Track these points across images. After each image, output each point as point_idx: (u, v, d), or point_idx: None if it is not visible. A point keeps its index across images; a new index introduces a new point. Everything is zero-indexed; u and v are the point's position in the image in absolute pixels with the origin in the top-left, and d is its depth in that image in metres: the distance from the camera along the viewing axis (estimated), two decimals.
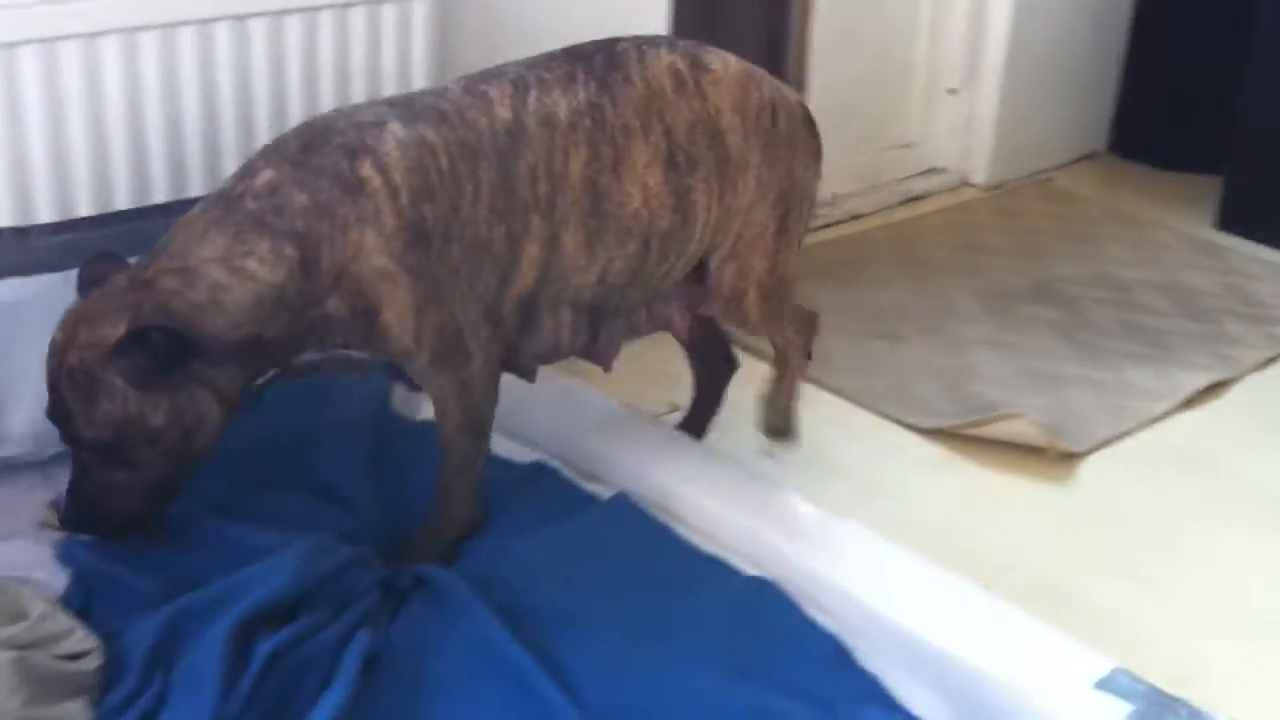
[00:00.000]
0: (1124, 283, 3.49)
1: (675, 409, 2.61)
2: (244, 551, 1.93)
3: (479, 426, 2.05)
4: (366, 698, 1.70)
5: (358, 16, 2.44)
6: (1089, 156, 4.32)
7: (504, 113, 1.99)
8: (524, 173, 1.98)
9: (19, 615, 1.80)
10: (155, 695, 1.71)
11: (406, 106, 1.98)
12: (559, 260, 2.02)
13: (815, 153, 2.29)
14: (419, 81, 2.50)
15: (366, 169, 1.88)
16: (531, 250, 2.00)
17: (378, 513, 2.09)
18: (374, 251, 1.88)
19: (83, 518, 1.90)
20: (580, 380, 2.40)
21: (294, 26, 2.38)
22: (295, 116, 2.34)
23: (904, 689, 1.79)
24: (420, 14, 2.50)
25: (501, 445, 2.20)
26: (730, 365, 2.50)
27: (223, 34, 2.31)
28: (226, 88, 2.34)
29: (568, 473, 2.21)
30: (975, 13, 3.92)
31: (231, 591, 1.82)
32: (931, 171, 4.06)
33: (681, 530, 2.08)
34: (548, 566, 1.98)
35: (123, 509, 1.89)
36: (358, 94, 2.44)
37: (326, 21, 2.41)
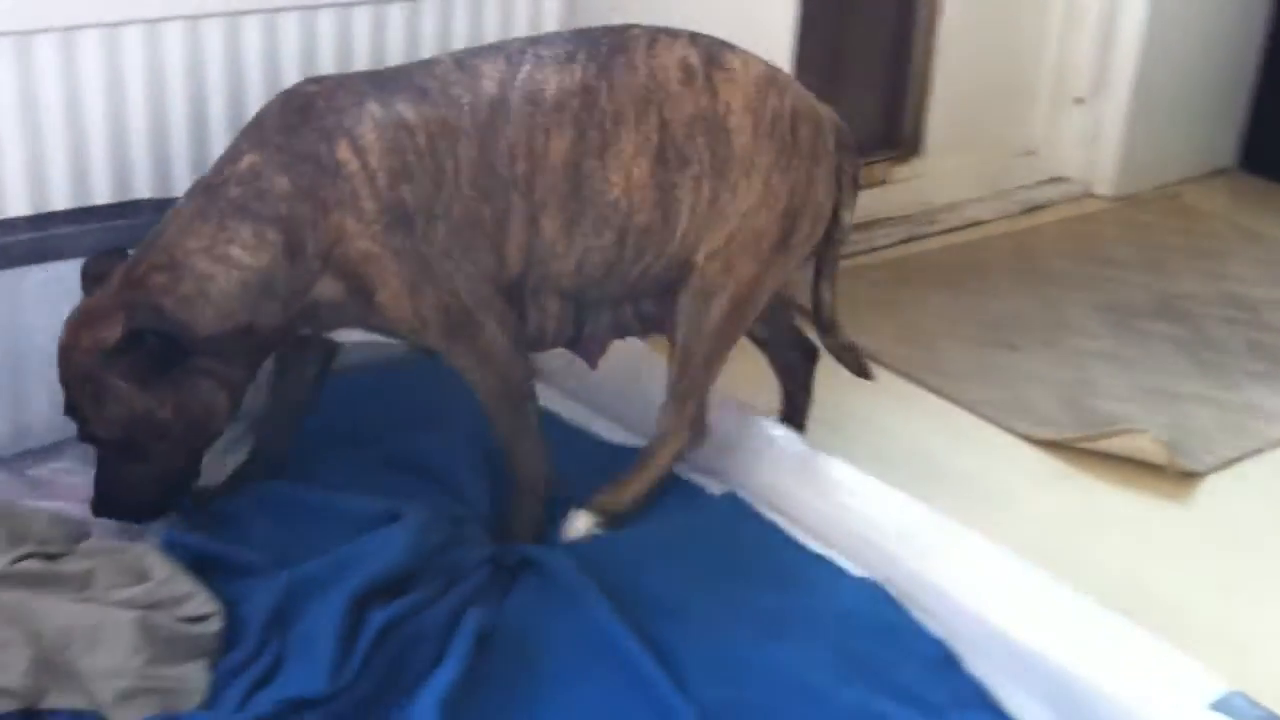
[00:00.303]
0: (1251, 301, 3.41)
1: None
2: (355, 526, 1.96)
3: (513, 392, 2.03)
4: (476, 676, 1.72)
5: None
6: (1218, 172, 4.23)
7: (490, 88, 1.96)
8: (504, 150, 1.95)
9: (143, 576, 1.86)
10: (271, 660, 1.75)
11: (388, 82, 1.96)
12: (540, 244, 1.98)
13: (842, 175, 2.17)
14: None
15: (343, 152, 1.89)
16: (515, 231, 1.97)
17: (483, 495, 2.11)
18: (356, 235, 1.89)
19: (108, 505, 1.94)
20: None
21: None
22: None
23: (1013, 700, 1.78)
24: None
25: (615, 433, 2.22)
26: (809, 357, 2.41)
27: None
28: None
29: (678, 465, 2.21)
30: (1106, 22, 3.85)
31: (346, 563, 1.85)
32: (1055, 181, 4.00)
33: (791, 529, 2.08)
34: (657, 557, 1.99)
35: (144, 497, 1.93)
36: None
37: None
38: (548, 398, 2.23)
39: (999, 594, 1.91)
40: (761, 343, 2.39)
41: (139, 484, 1.93)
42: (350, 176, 1.89)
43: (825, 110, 2.17)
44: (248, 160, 1.90)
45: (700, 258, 2.05)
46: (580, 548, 2.00)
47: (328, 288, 1.91)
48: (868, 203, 3.52)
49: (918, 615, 1.90)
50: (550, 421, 2.18)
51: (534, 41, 2.04)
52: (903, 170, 3.73)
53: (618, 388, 2.36)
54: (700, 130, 2.02)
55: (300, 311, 1.93)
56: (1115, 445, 2.67)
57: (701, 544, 2.02)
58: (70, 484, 2.09)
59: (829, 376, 2.44)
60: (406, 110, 1.92)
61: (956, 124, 3.76)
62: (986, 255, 3.59)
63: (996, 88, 3.86)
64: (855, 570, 1.99)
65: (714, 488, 2.19)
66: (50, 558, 1.88)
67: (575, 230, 1.99)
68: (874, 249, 3.49)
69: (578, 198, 1.98)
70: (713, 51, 2.07)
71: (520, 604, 1.86)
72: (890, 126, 3.75)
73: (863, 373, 2.37)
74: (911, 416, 2.78)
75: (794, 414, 2.44)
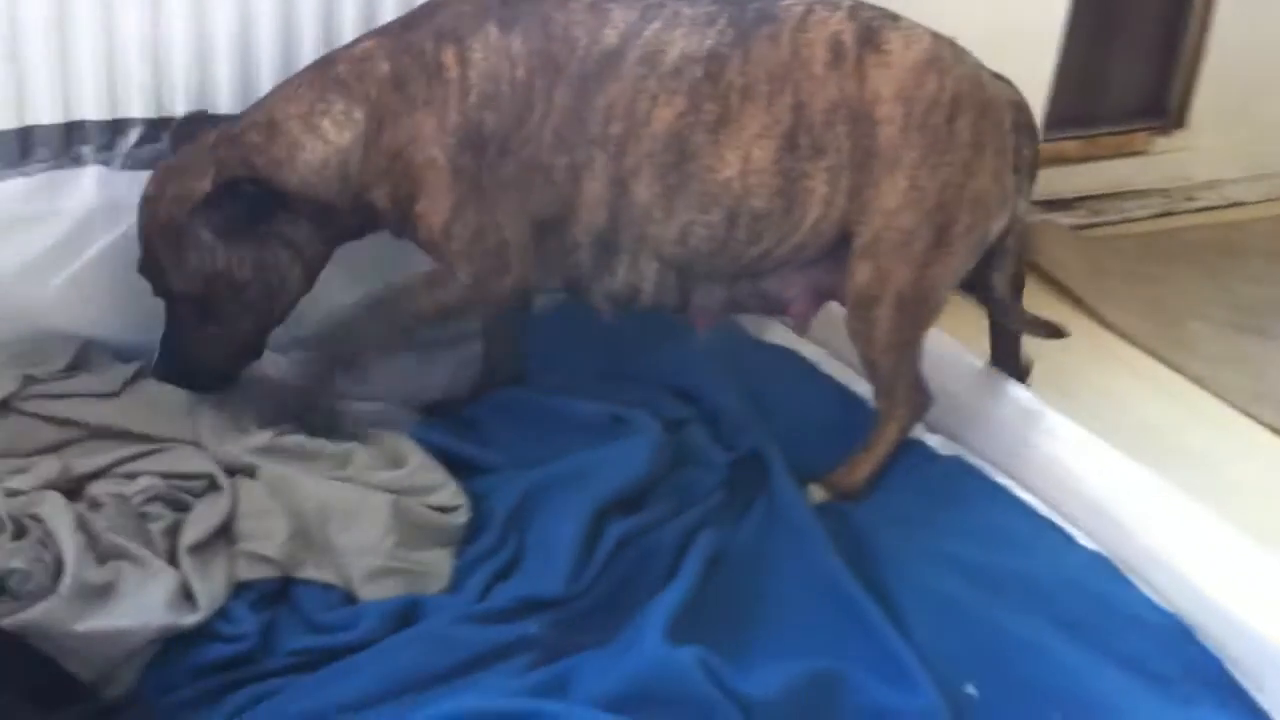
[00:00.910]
0: None
1: None
2: (593, 433, 2.03)
3: (453, 315, 2.02)
4: (704, 596, 1.76)
5: None
6: None
7: (611, 38, 1.90)
8: (601, 106, 1.89)
9: (398, 462, 1.95)
10: (510, 557, 1.83)
11: (520, 4, 1.93)
12: (629, 207, 1.92)
13: (1019, 159, 2.02)
14: None
15: (448, 57, 1.90)
16: (594, 187, 1.91)
17: (728, 419, 2.13)
18: (429, 140, 1.90)
19: (172, 370, 1.97)
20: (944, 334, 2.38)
21: None
22: None
23: (1248, 683, 1.74)
24: None
25: (858, 384, 2.24)
26: (1021, 376, 2.28)
27: None
28: None
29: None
30: None
31: (587, 471, 1.92)
32: None
33: (1025, 495, 2.06)
34: (883, 512, 2.00)
35: (210, 363, 1.97)
36: None
37: None
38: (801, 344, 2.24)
39: (1240, 582, 1.85)
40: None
41: (206, 349, 1.95)
42: (447, 82, 1.90)
43: (1000, 89, 2.01)
44: (365, 44, 1.95)
45: (852, 254, 1.95)
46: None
47: (380, 195, 1.93)
48: (1125, 172, 3.46)
49: (1146, 591, 1.87)
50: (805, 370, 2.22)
51: None
52: (1164, 142, 3.60)
53: None
54: (842, 119, 1.90)
55: (357, 210, 1.94)
56: None
57: (927, 504, 2.02)
58: None
59: (1063, 344, 2.37)
60: (517, 41, 1.90)
61: (1226, 100, 3.61)
62: (1244, 237, 3.45)
63: (1271, 67, 3.69)
64: (1083, 540, 1.97)
65: (942, 447, 2.18)
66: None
67: (676, 201, 1.92)
68: (1127, 220, 3.40)
69: (680, 170, 1.90)
70: (872, 28, 1.93)
71: (751, 532, 1.91)
72: (1156, 96, 3.61)
73: (1054, 333, 2.22)
74: (1149, 392, 2.71)
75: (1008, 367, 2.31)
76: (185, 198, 1.89)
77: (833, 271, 1.99)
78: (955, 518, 1.99)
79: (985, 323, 2.27)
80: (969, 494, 2.05)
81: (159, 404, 1.98)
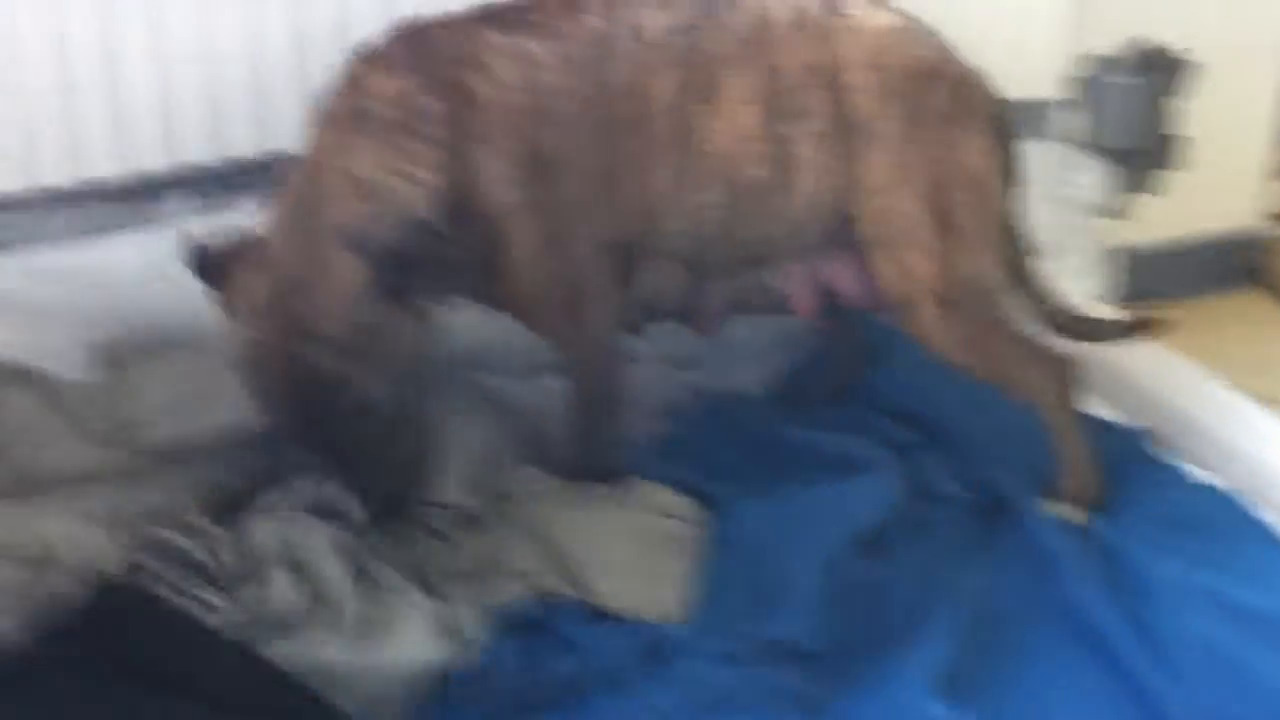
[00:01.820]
0: None
1: None
2: (836, 466, 1.99)
3: (607, 384, 1.93)
4: (959, 648, 1.70)
5: None
6: None
7: (594, 22, 1.81)
8: (615, 90, 1.80)
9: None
10: (751, 592, 1.79)
11: (496, 17, 1.83)
12: (651, 199, 1.84)
13: (998, 132, 1.91)
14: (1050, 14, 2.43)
15: (479, 83, 1.77)
16: (628, 182, 1.82)
17: (957, 442, 2.09)
18: (495, 179, 1.77)
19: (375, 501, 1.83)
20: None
21: None
22: None
23: None
24: None
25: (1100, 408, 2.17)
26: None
27: None
28: None
29: (1153, 446, 2.15)
30: None
31: (826, 506, 1.90)
32: None
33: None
34: (1140, 543, 1.91)
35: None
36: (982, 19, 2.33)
37: None
38: None
39: None
40: None
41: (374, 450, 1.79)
42: (487, 108, 1.77)
43: (970, 66, 1.91)
44: (389, 84, 1.76)
45: (867, 251, 1.87)
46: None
47: (458, 243, 1.78)
48: None
49: None
50: None
51: None
52: None
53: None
54: (817, 82, 1.83)
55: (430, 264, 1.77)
56: None
57: (1186, 534, 1.94)
58: None
59: None
60: (529, 42, 1.79)
61: None
62: None
63: None
64: None
65: (1195, 470, 2.10)
66: None
67: (684, 183, 1.84)
68: None
69: (684, 147, 1.83)
70: None
71: (1002, 570, 1.85)
72: None
73: (1138, 331, 2.09)
74: None
75: None
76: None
77: (832, 260, 1.93)
78: (1219, 555, 1.90)
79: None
80: (1226, 526, 1.97)
81: None
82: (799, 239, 1.91)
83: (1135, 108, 2.73)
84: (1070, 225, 2.61)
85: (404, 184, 1.74)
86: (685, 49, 1.82)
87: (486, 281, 1.84)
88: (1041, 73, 2.49)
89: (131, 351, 2.06)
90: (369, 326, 1.71)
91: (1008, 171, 1.96)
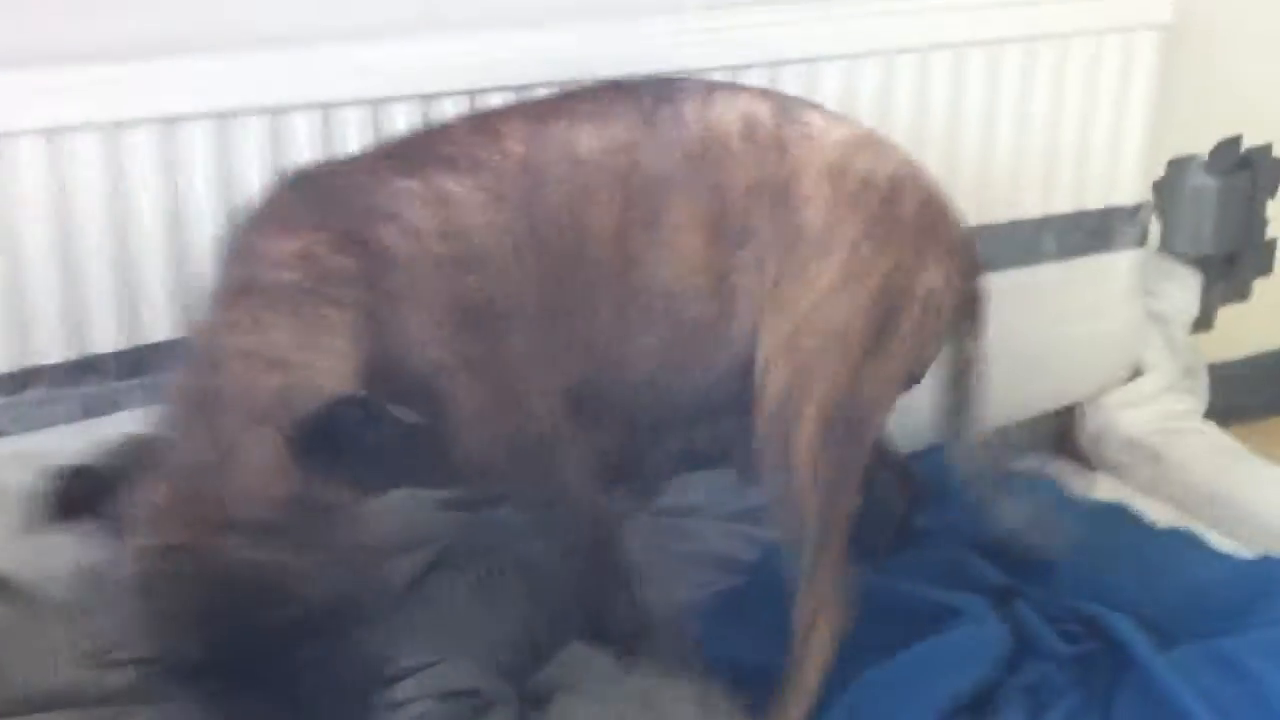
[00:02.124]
0: None
1: None
2: (916, 611, 1.81)
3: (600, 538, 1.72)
4: None
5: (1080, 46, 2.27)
6: None
7: (516, 148, 1.59)
8: (549, 220, 1.58)
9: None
10: None
11: (401, 154, 1.61)
12: (595, 343, 1.62)
13: (956, 254, 1.69)
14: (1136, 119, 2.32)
15: (391, 235, 1.53)
16: (573, 324, 1.61)
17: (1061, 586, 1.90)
18: (425, 341, 1.54)
19: None
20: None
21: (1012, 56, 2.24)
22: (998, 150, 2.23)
23: None
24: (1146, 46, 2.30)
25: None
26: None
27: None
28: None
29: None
30: None
31: (924, 666, 1.71)
32: None
33: None
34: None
35: None
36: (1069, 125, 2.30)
37: (1045, 50, 2.26)
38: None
39: None
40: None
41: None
42: (403, 261, 1.52)
43: (931, 180, 1.71)
44: (286, 246, 1.50)
45: (760, 356, 1.63)
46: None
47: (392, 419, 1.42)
48: None
49: None
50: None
51: (560, 95, 1.70)
52: None
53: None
54: (765, 198, 1.62)
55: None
56: None
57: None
58: None
59: None
60: (443, 180, 1.56)
61: None
62: None
63: None
64: None
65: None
66: None
67: (625, 323, 1.62)
68: None
69: (625, 282, 1.61)
70: (788, 106, 1.68)
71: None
72: None
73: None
74: None
75: None
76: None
77: None
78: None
79: None
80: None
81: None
82: (736, 382, 1.67)
83: (1225, 211, 2.60)
84: (1162, 338, 2.46)
85: (319, 356, 1.47)
86: (625, 170, 1.62)
87: (437, 454, 1.56)
88: (1129, 178, 2.38)
89: None
90: (296, 499, 1.37)
91: (969, 312, 1.75)
